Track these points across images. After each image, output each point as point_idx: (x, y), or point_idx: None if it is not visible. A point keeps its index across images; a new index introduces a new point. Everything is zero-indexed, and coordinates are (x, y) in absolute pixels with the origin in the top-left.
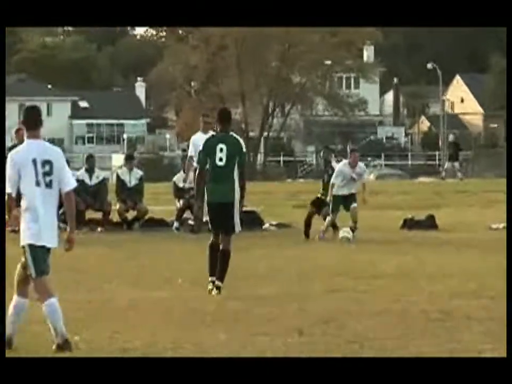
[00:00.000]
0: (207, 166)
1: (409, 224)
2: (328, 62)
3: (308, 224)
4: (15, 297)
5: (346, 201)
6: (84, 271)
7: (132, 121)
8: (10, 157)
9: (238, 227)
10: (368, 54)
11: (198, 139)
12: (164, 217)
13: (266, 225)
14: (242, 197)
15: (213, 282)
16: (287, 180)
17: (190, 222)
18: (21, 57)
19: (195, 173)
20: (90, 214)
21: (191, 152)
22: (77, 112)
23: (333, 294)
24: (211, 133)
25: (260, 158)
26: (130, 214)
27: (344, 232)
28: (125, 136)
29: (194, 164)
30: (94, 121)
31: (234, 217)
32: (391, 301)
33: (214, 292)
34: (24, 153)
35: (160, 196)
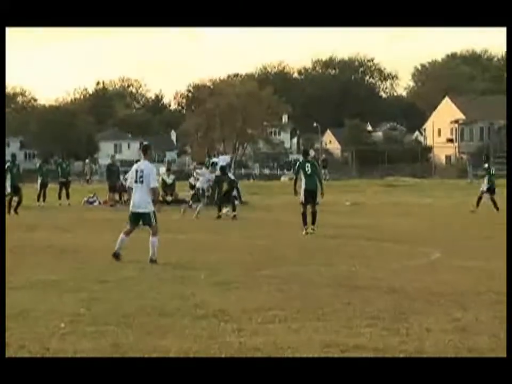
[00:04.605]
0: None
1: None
2: (265, 123)
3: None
4: None
5: None
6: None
7: (169, 151)
8: None
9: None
10: (284, 118)
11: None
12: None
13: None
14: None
15: (306, 228)
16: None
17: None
18: (117, 121)
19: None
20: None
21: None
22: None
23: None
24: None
25: (231, 170)
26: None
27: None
28: (166, 158)
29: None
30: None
31: (317, 196)
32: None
33: (310, 231)
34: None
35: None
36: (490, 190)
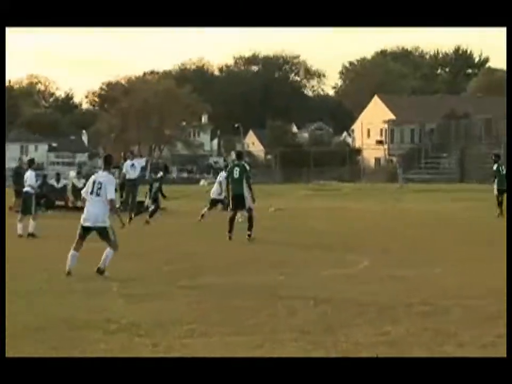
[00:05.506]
0: (230, 178)
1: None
2: (184, 123)
3: None
4: None
5: None
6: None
7: (80, 153)
8: None
9: (248, 205)
10: (204, 118)
11: (129, 164)
12: None
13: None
14: (250, 191)
15: (230, 236)
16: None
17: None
18: (24, 121)
19: None
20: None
21: (126, 170)
22: (51, 149)
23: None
24: (133, 161)
25: (147, 173)
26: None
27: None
28: (76, 161)
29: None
30: (59, 153)
31: (246, 202)
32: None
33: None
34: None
35: None
36: (500, 191)
